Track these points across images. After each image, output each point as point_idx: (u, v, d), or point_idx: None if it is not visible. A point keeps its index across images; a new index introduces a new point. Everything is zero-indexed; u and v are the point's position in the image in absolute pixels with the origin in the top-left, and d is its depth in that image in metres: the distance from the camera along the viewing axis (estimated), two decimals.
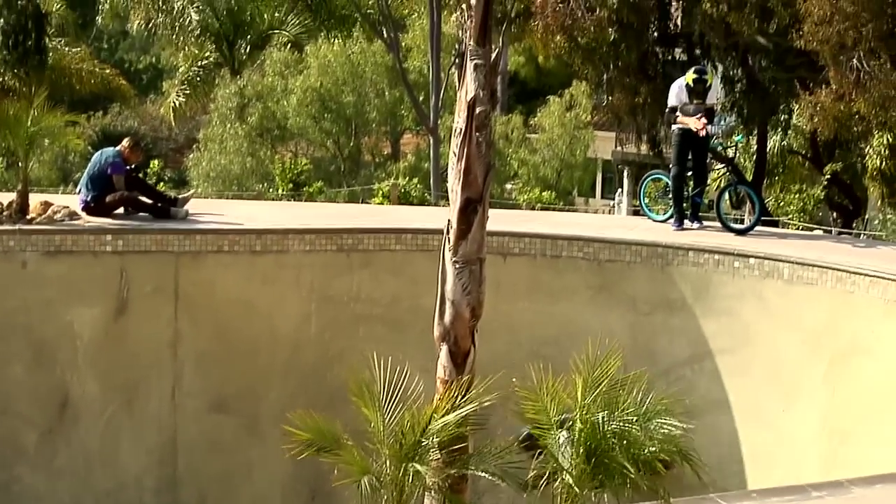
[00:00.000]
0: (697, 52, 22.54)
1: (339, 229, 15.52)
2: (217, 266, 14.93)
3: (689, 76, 16.44)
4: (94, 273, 14.48)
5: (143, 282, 14.62)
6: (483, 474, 6.91)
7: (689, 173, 16.61)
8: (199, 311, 14.88)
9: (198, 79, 41.46)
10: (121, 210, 15.41)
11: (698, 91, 16.28)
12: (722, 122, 17.80)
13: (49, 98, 15.50)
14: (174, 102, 41.10)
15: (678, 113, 16.37)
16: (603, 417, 6.94)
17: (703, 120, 16.17)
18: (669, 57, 22.97)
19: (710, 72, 17.36)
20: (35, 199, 15.17)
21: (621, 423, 6.91)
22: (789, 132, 26.73)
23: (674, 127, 16.55)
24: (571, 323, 14.82)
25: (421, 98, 37.47)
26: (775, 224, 21.30)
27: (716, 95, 16.95)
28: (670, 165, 16.92)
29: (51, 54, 29.59)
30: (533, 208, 24.26)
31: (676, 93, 16.48)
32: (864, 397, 13.20)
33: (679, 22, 22.91)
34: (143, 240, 14.69)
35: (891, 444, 12.42)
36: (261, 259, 15.05)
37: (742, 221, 18.22)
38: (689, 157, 16.53)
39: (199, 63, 41.66)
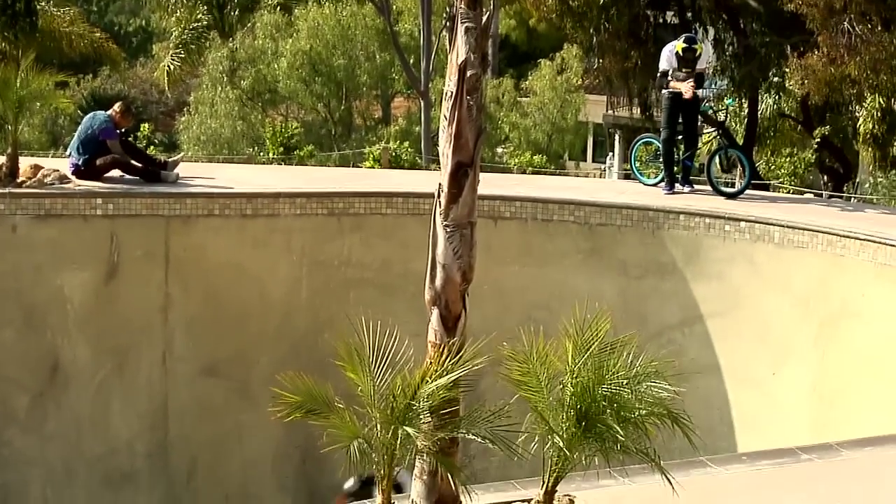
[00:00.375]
0: (689, 15, 22.49)
1: (330, 193, 15.49)
2: (208, 230, 14.91)
3: (679, 45, 16.41)
4: (84, 237, 14.46)
5: (134, 246, 14.60)
6: (474, 438, 6.92)
7: (680, 137, 16.60)
8: (189, 275, 14.87)
9: (191, 43, 41.27)
10: (112, 173, 15.36)
11: (688, 59, 16.27)
12: (713, 86, 17.79)
13: (38, 61, 15.40)
14: (168, 66, 40.88)
15: (669, 77, 16.36)
16: (593, 380, 6.94)
17: (692, 83, 16.17)
18: (661, 20, 22.91)
19: (699, 40, 17.33)
20: (25, 163, 15.12)
21: (612, 387, 6.92)
22: (781, 96, 26.69)
23: (664, 90, 16.54)
24: (562, 287, 14.83)
25: (412, 61, 37.38)
26: (766, 188, 21.35)
27: (706, 60, 16.91)
28: (661, 129, 16.91)
29: (40, 17, 29.38)
30: (524, 172, 24.27)
31: (668, 57, 16.46)
32: (854, 360, 13.24)
33: None
34: (133, 203, 14.67)
35: (880, 407, 12.47)
36: (251, 223, 15.03)
37: (733, 185, 18.21)
38: (680, 120, 16.53)
39: (192, 26, 41.45)
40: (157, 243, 14.68)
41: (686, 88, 16.05)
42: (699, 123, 17.30)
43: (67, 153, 15.96)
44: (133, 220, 14.64)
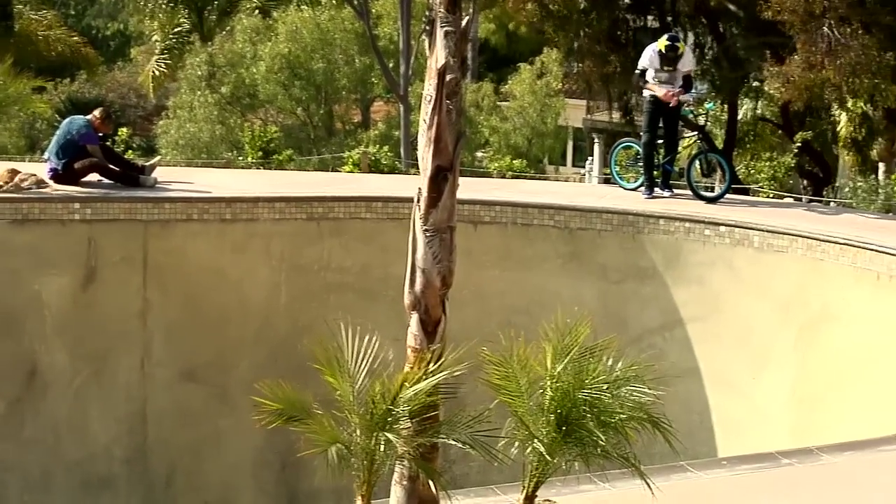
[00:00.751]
0: (668, 19, 22.52)
1: (310, 197, 15.46)
2: (186, 235, 14.86)
3: (662, 42, 16.41)
4: (62, 242, 14.40)
5: (112, 251, 14.55)
6: (454, 443, 6.89)
7: (661, 141, 16.60)
8: (168, 280, 14.82)
9: (175, 48, 41.18)
10: (90, 177, 15.31)
11: (670, 58, 16.26)
12: (693, 90, 17.79)
13: (15, 65, 15.35)
14: (154, 71, 40.71)
15: (652, 79, 16.32)
16: (573, 385, 6.93)
17: (672, 90, 16.17)
18: (641, 24, 22.93)
19: (682, 39, 17.35)
20: (2, 167, 15.05)
21: (592, 391, 6.90)
22: (760, 100, 26.74)
23: (645, 93, 16.53)
24: (542, 291, 14.82)
25: (391, 65, 37.32)
26: (746, 192, 21.33)
27: (689, 63, 16.86)
28: (641, 133, 16.89)
29: (18, 20, 29.26)
30: (504, 176, 24.19)
31: (649, 56, 16.41)
32: (833, 364, 13.26)
33: None
34: (111, 208, 14.61)
35: (860, 411, 12.49)
36: (230, 228, 14.99)
37: (712, 189, 18.22)
38: (660, 124, 16.52)
39: (175, 30, 41.40)
40: (136, 248, 14.63)
41: (661, 91, 16.07)
42: (679, 127, 17.30)
43: (45, 157, 15.90)
44: (111, 225, 14.58)
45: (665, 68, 16.25)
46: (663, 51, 16.24)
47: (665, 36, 16.75)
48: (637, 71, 16.64)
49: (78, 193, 14.84)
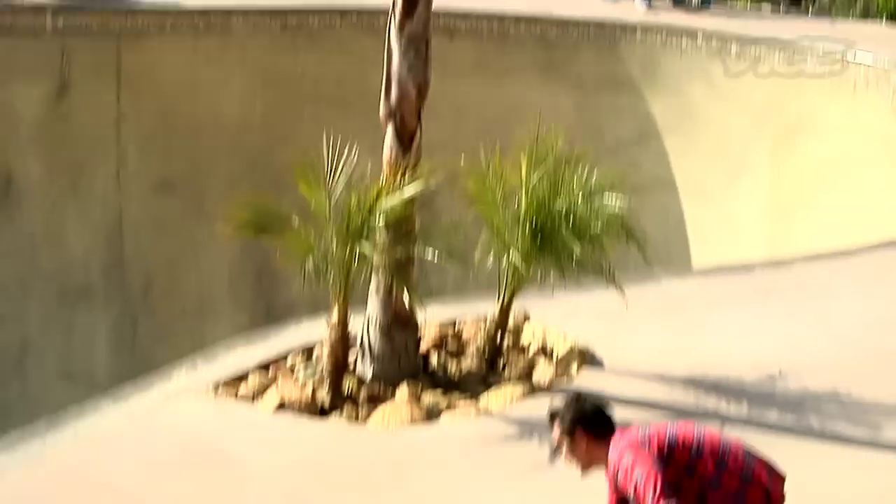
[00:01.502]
0: None
1: (284, 9, 15.25)
2: (160, 47, 14.68)
3: None
4: (34, 53, 14.21)
5: (86, 62, 14.38)
6: (429, 255, 6.92)
7: None
8: (141, 92, 14.68)
9: None
10: None
11: None
12: None
13: None
14: None
15: None
16: (548, 195, 6.94)
17: None
18: None
19: None
20: None
21: (567, 201, 6.92)
22: None
23: None
24: (519, 102, 14.73)
25: None
26: (723, 0, 21.16)
27: None
28: None
29: None
30: None
31: None
32: (808, 175, 13.31)
33: None
34: (83, 18, 14.38)
35: (833, 221, 12.58)
36: (204, 40, 14.80)
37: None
38: None
39: None
40: (109, 60, 14.46)
41: None
42: None
43: None
44: (84, 38, 14.37)
45: None
46: None
47: None
48: None
49: (49, 1, 14.57)
